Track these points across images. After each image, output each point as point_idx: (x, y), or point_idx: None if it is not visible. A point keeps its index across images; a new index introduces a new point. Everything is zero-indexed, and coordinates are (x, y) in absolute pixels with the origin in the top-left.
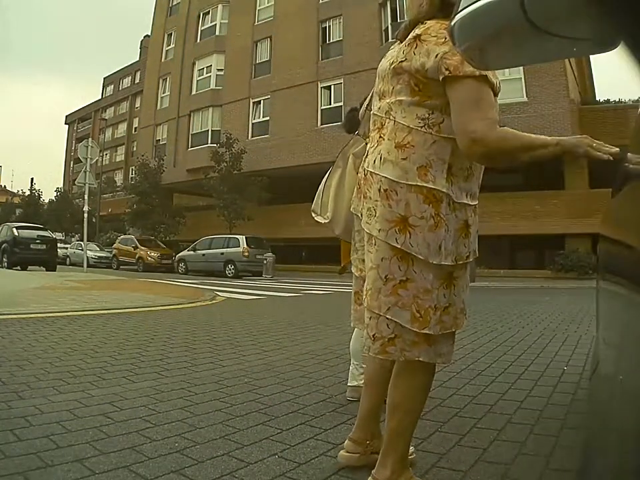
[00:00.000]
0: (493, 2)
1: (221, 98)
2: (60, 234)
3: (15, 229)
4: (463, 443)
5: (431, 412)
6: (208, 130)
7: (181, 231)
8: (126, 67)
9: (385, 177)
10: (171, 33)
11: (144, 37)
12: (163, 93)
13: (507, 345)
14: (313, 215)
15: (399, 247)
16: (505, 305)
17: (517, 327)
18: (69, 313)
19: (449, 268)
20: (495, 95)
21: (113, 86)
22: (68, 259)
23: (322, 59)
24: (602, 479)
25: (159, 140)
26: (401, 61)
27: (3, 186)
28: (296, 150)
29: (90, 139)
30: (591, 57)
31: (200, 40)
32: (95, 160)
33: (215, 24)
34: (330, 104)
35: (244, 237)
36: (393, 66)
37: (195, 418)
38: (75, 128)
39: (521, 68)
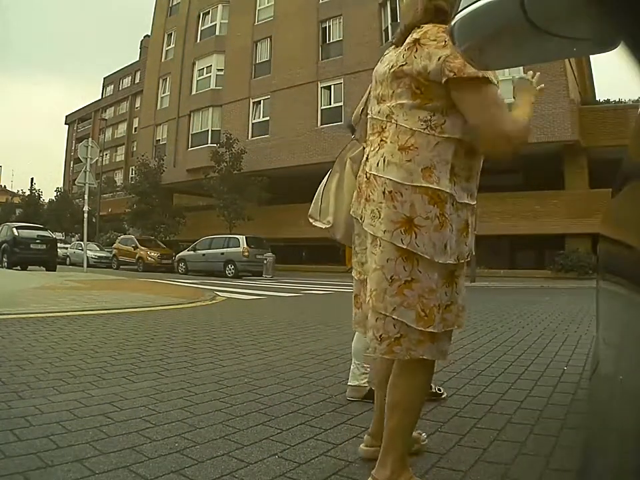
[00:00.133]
0: (492, 2)
1: (220, 98)
2: (60, 234)
3: (15, 229)
4: (462, 443)
5: (431, 412)
6: (208, 130)
7: (181, 231)
8: (126, 67)
9: (390, 179)
10: (171, 33)
11: (144, 37)
12: (163, 93)
13: (507, 345)
14: (311, 220)
15: (405, 247)
16: (505, 305)
17: (517, 327)
18: (68, 313)
19: (451, 267)
20: None
21: (112, 86)
22: (68, 259)
23: (322, 59)
24: (602, 479)
25: (159, 140)
26: (402, 65)
27: (3, 186)
28: (296, 150)
29: (90, 139)
30: (591, 57)
31: (200, 40)
32: (95, 160)
33: (215, 24)
34: (330, 104)
35: (244, 237)
36: (393, 70)
37: (195, 418)
38: (75, 128)
39: (521, 68)
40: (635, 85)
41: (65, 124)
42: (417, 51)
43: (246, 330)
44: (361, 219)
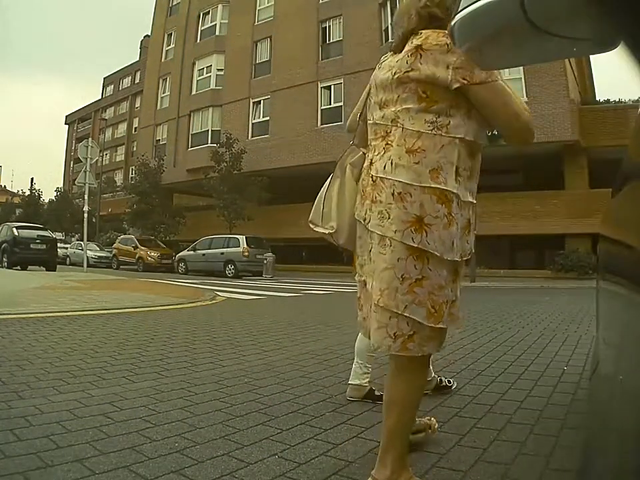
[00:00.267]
0: (492, 2)
1: (221, 98)
2: (60, 234)
3: (14, 229)
4: (462, 443)
5: (431, 412)
6: (208, 130)
7: (181, 230)
8: (126, 67)
9: (399, 181)
10: (171, 33)
11: (144, 37)
12: (163, 93)
13: (507, 345)
14: (312, 226)
15: (416, 245)
16: (505, 305)
17: (517, 327)
18: (68, 313)
19: (456, 264)
20: None
21: (112, 86)
22: (68, 259)
23: (322, 59)
24: (602, 479)
25: (159, 140)
26: (407, 71)
27: (3, 186)
28: (296, 150)
29: (90, 139)
30: (591, 57)
31: (200, 40)
32: (95, 160)
33: (215, 24)
34: (330, 104)
35: (244, 237)
36: (397, 76)
37: (195, 418)
38: (75, 128)
39: (521, 68)
40: (635, 84)
41: (65, 124)
42: (421, 57)
43: (246, 330)
44: (364, 221)
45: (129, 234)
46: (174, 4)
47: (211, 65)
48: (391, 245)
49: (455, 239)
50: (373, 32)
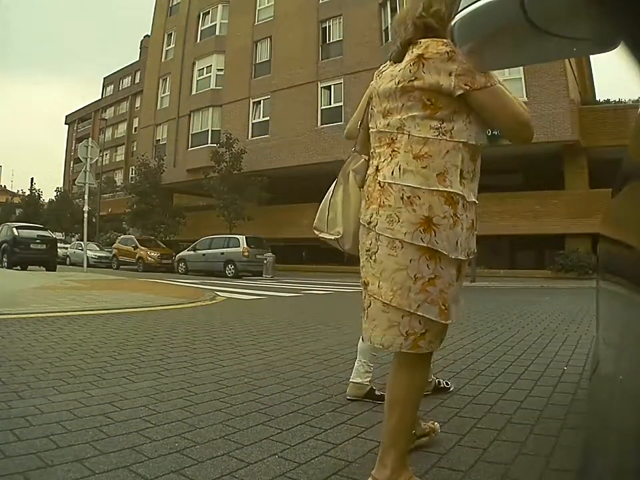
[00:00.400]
0: (492, 2)
1: (221, 98)
2: (60, 234)
3: (14, 229)
4: (462, 443)
5: (431, 412)
6: (208, 130)
7: (181, 230)
8: (126, 67)
9: (408, 185)
10: (171, 33)
11: (144, 37)
12: (163, 93)
13: (507, 344)
14: (317, 232)
15: (426, 245)
16: (505, 305)
17: (517, 327)
18: (68, 313)
19: (461, 262)
20: None
21: (112, 86)
22: (68, 259)
23: (322, 59)
24: (602, 479)
25: (159, 140)
26: (411, 80)
27: (3, 186)
28: (296, 150)
29: (90, 139)
30: (591, 57)
31: (200, 40)
32: (95, 160)
33: (215, 24)
34: (330, 104)
35: (244, 237)
36: (401, 85)
37: (195, 418)
38: (75, 128)
39: (521, 68)
40: (635, 84)
41: (65, 124)
42: (423, 65)
43: (246, 330)
44: (369, 224)
45: (129, 234)
46: (174, 4)
47: (211, 65)
48: (402, 247)
49: (459, 238)
50: (373, 32)
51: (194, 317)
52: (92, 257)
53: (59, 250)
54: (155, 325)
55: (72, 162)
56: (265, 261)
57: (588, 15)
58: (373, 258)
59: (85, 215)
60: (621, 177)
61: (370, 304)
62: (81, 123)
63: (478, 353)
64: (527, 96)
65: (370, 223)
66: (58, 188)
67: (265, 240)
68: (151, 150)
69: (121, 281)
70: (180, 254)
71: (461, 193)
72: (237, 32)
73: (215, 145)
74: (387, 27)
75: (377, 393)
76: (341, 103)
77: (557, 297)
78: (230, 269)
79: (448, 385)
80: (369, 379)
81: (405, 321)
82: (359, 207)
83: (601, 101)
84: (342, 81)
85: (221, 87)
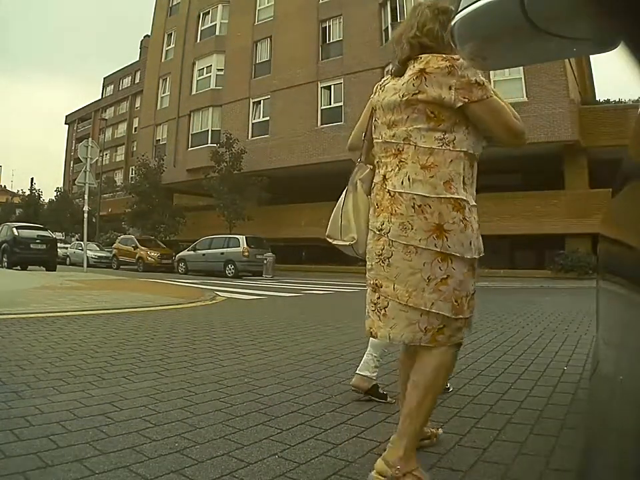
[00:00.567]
0: (492, 2)
1: (221, 98)
2: (60, 234)
3: (15, 229)
4: (462, 443)
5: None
6: (208, 130)
7: (181, 230)
8: (126, 67)
9: (418, 194)
10: (171, 33)
11: (144, 37)
12: (163, 93)
13: (507, 344)
14: (330, 240)
15: (439, 250)
16: (505, 305)
17: (517, 327)
18: (68, 313)
19: (473, 261)
20: None
21: (112, 86)
22: (68, 259)
23: (322, 59)
24: (602, 479)
25: (159, 140)
26: (415, 94)
27: (3, 186)
28: (296, 150)
29: (90, 139)
30: (591, 56)
31: (200, 40)
32: (95, 160)
33: (215, 24)
34: (330, 104)
35: (244, 236)
36: (406, 98)
37: (195, 418)
38: (75, 128)
39: (521, 68)
40: (635, 84)
41: (65, 124)
42: (426, 79)
43: (246, 330)
44: (380, 231)
45: (129, 234)
46: (174, 4)
47: (211, 65)
48: (416, 252)
49: (471, 239)
50: (373, 32)
51: (194, 317)
52: (92, 257)
53: (58, 250)
54: (155, 324)
55: (72, 162)
56: (265, 261)
57: (588, 15)
58: (386, 262)
59: (85, 215)
60: (621, 176)
61: (387, 304)
62: (81, 123)
63: (478, 353)
64: (527, 96)
65: (381, 230)
66: (58, 188)
67: (265, 240)
68: (151, 150)
69: (120, 281)
70: (180, 254)
71: (465, 198)
72: (237, 32)
73: (215, 145)
74: (387, 27)
75: (381, 391)
76: (341, 103)
77: (556, 296)
78: (230, 269)
79: (447, 386)
80: (376, 374)
81: (423, 319)
82: (368, 214)
83: (601, 100)
84: (342, 81)
85: (220, 87)
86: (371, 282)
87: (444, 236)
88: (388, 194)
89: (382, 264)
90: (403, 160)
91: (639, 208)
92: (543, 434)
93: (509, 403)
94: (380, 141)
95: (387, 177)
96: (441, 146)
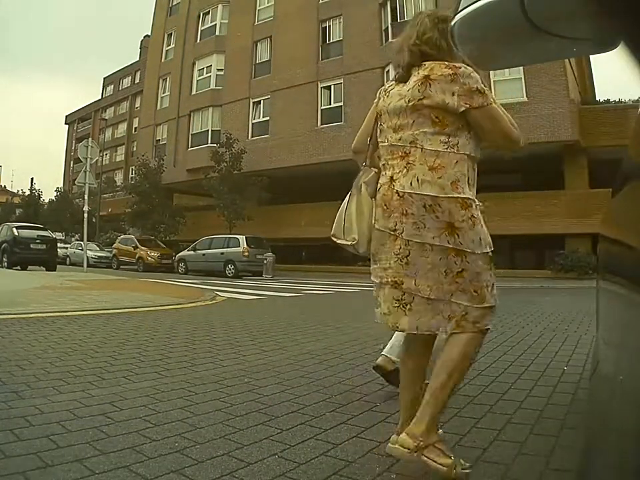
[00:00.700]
0: (492, 2)
1: (221, 98)
2: (60, 234)
3: (15, 229)
4: (462, 443)
5: None
6: (208, 130)
7: (181, 230)
8: (126, 67)
9: (428, 195)
10: (171, 33)
11: (144, 37)
12: (163, 93)
13: (507, 345)
14: (334, 239)
15: (452, 246)
16: (505, 304)
17: (517, 327)
18: (68, 313)
19: (489, 254)
20: None
21: (112, 86)
22: (68, 259)
23: (322, 59)
24: (602, 479)
25: (159, 140)
26: (420, 99)
27: (3, 186)
28: (296, 150)
29: (90, 139)
30: (591, 57)
31: (200, 40)
32: (95, 160)
33: (215, 24)
34: (330, 104)
35: (244, 236)
36: (412, 103)
37: (195, 418)
38: (75, 128)
39: (521, 68)
40: (635, 84)
41: (65, 124)
42: (430, 85)
43: (246, 330)
44: (394, 231)
45: (129, 234)
46: (174, 4)
47: (211, 65)
48: (432, 249)
49: (480, 235)
50: (373, 32)
51: (194, 317)
52: (92, 257)
53: (58, 250)
54: (155, 325)
55: (72, 162)
56: (265, 261)
57: (588, 15)
58: (405, 260)
59: (85, 215)
60: (621, 176)
61: (413, 299)
62: (81, 123)
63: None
64: (527, 96)
65: (395, 230)
66: (58, 188)
67: (265, 240)
68: (151, 150)
69: (120, 281)
70: (180, 254)
71: (471, 197)
72: (237, 32)
73: (215, 144)
74: (387, 27)
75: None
76: (341, 103)
77: (556, 296)
78: (230, 269)
79: None
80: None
81: (445, 308)
82: (371, 216)
83: (601, 100)
84: (342, 81)
85: (220, 87)
86: (390, 280)
87: (455, 233)
88: (397, 194)
89: (400, 262)
90: (410, 162)
91: (638, 208)
92: (543, 434)
93: (509, 402)
94: (386, 144)
95: (394, 178)
96: (446, 148)
